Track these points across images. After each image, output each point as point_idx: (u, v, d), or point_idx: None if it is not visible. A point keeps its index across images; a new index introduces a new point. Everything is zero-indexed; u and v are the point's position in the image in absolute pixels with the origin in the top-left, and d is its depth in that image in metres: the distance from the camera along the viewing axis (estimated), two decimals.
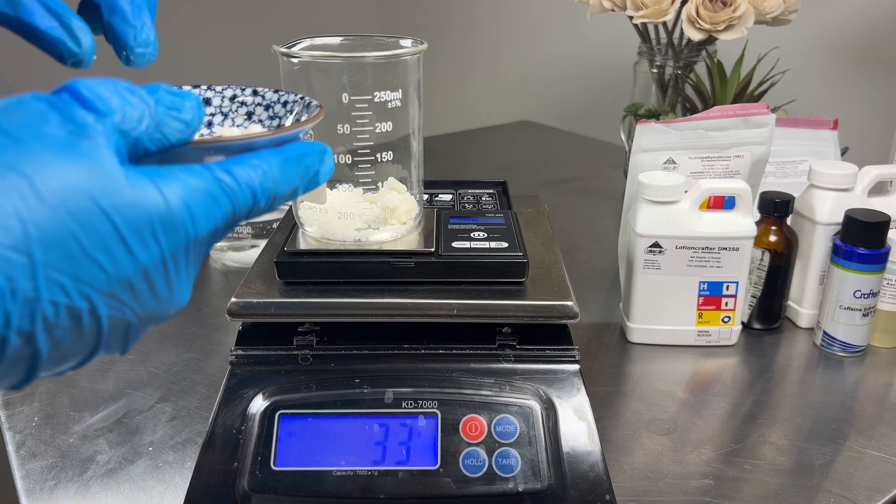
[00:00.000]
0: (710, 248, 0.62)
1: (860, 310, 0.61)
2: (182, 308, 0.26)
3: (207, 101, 0.38)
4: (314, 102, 0.36)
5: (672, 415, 0.56)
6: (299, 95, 0.37)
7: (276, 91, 0.38)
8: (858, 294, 0.61)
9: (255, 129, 0.38)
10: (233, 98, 0.38)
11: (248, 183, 0.26)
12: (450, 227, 0.53)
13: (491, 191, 0.65)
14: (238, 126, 0.38)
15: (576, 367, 0.48)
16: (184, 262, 0.25)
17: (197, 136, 0.27)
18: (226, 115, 0.38)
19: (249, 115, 0.38)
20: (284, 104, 0.38)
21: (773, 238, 0.65)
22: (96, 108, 0.23)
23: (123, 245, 0.23)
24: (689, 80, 0.89)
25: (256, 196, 0.27)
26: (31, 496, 0.47)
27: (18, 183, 0.21)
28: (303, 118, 0.35)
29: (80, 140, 0.22)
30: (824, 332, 0.64)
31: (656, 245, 0.62)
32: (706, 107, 0.85)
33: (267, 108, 0.38)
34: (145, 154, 0.25)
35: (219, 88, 0.38)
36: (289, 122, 0.36)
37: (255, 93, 0.39)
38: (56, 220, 0.21)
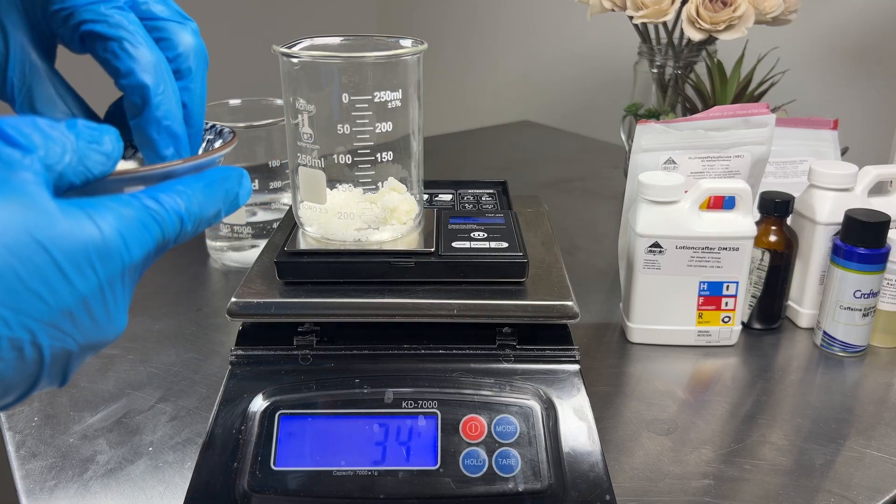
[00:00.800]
0: (710, 248, 0.62)
1: (860, 310, 0.61)
2: (120, 334, 0.27)
3: None
4: (227, 129, 0.37)
5: (672, 415, 0.56)
6: (210, 124, 0.38)
7: None
8: (858, 294, 0.61)
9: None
10: None
11: (175, 209, 0.27)
12: (450, 227, 0.53)
13: (491, 191, 0.65)
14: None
15: (576, 367, 0.48)
16: (120, 288, 0.26)
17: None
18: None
19: None
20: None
21: (773, 238, 0.65)
22: (20, 145, 0.23)
23: (62, 276, 0.23)
24: (689, 80, 0.89)
25: (183, 221, 0.28)
26: (31, 496, 0.47)
27: None
28: (216, 145, 0.36)
29: (9, 176, 0.23)
30: (824, 332, 0.64)
31: (656, 245, 0.62)
32: (706, 107, 0.85)
33: None
34: (70, 187, 0.25)
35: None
36: (201, 150, 0.37)
37: None
38: None
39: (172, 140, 0.33)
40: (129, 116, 0.33)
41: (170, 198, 0.27)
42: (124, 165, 0.28)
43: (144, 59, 0.33)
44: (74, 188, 0.26)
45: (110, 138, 0.26)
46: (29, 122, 0.24)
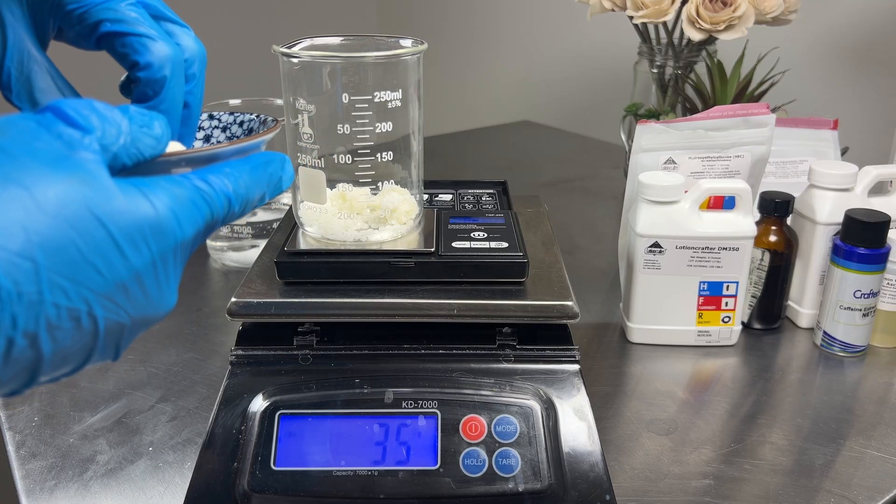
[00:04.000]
0: (710, 248, 0.62)
1: (860, 310, 0.61)
2: (170, 310, 0.28)
3: None
4: (270, 118, 0.38)
5: (672, 415, 0.56)
6: (255, 114, 0.39)
7: (231, 113, 0.40)
8: (858, 294, 0.61)
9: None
10: None
11: (223, 190, 0.29)
12: (450, 227, 0.53)
13: (491, 191, 0.65)
14: None
15: (576, 367, 0.48)
16: (172, 265, 0.27)
17: None
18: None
19: (207, 139, 0.40)
20: (241, 124, 0.39)
21: (773, 238, 0.65)
22: (80, 126, 0.25)
23: (118, 250, 0.24)
24: (689, 80, 0.89)
25: (231, 201, 0.29)
26: (31, 496, 0.47)
27: (19, 194, 0.22)
28: (259, 132, 0.37)
29: (70, 154, 0.24)
30: (824, 332, 0.64)
31: (656, 245, 0.62)
32: (706, 107, 0.85)
33: (224, 129, 0.40)
34: (122, 168, 0.27)
35: None
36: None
37: (210, 116, 0.40)
38: (56, 228, 0.22)
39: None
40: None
41: (218, 179, 0.28)
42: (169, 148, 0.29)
43: (163, 55, 0.34)
44: (126, 169, 0.27)
45: (160, 123, 0.28)
46: (87, 104, 0.25)
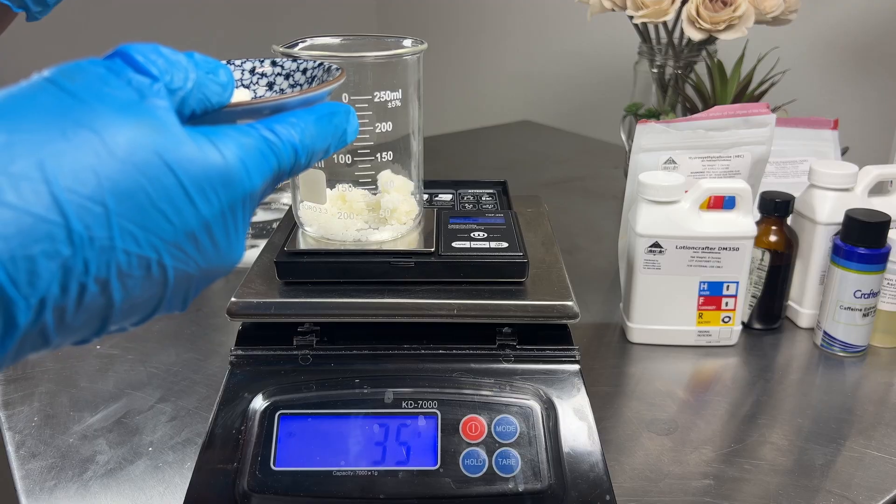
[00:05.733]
0: (711, 248, 0.62)
1: (860, 310, 0.61)
2: (238, 262, 0.28)
3: None
4: (334, 66, 0.37)
5: (672, 415, 0.56)
6: (318, 61, 0.38)
7: (294, 60, 0.39)
8: (859, 294, 0.61)
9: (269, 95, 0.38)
10: (252, 70, 0.39)
11: (290, 140, 0.28)
12: (450, 227, 0.53)
13: (491, 191, 0.65)
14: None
15: (576, 367, 0.48)
16: (241, 215, 0.27)
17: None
18: (247, 87, 0.38)
19: (270, 86, 0.39)
20: (304, 71, 0.38)
21: (773, 238, 0.65)
22: (149, 72, 0.24)
23: (187, 198, 0.24)
24: (690, 80, 0.89)
25: (298, 153, 0.29)
26: (31, 496, 0.47)
27: (90, 139, 0.22)
28: (324, 81, 0.36)
29: (141, 101, 0.24)
30: (824, 332, 0.64)
31: (656, 245, 0.62)
32: (706, 107, 0.85)
33: (287, 76, 0.39)
34: (191, 117, 0.26)
35: (238, 62, 0.38)
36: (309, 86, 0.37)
37: (273, 63, 0.39)
38: (126, 173, 0.22)
39: None
40: None
41: (285, 129, 0.28)
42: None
43: None
44: (195, 117, 0.27)
45: (224, 71, 0.27)
46: (154, 49, 0.25)
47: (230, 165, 0.25)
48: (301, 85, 0.38)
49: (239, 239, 0.27)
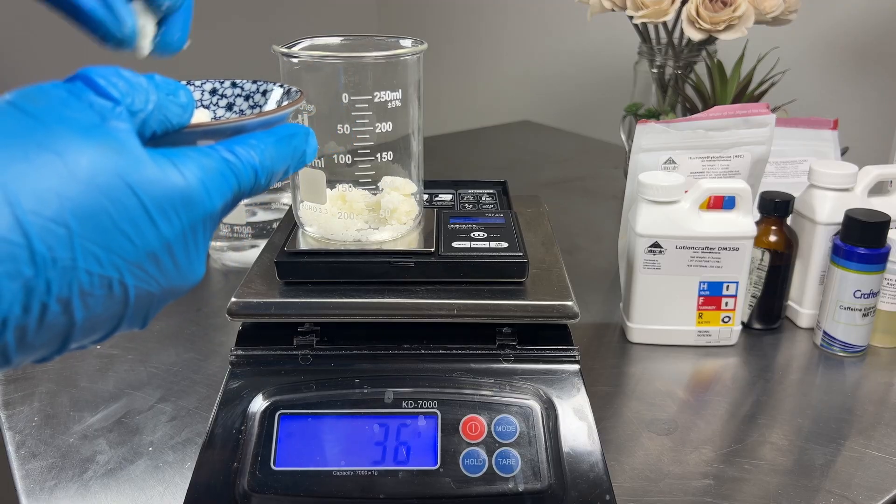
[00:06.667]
0: (710, 248, 0.62)
1: (860, 310, 0.61)
2: (198, 281, 0.28)
3: None
4: (294, 89, 0.37)
5: (672, 415, 0.56)
6: (278, 84, 0.39)
7: (254, 81, 0.40)
8: (858, 294, 0.61)
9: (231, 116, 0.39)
10: (213, 91, 0.39)
11: (250, 161, 0.29)
12: (450, 227, 0.53)
13: (491, 191, 0.65)
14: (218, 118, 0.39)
15: (576, 367, 0.48)
16: (201, 235, 0.27)
17: None
18: (207, 108, 0.39)
19: (230, 107, 0.40)
20: (264, 93, 0.39)
21: (773, 238, 0.65)
22: (110, 95, 0.25)
23: (149, 219, 0.24)
24: (689, 80, 0.89)
25: (258, 173, 0.29)
26: (31, 496, 0.47)
27: (52, 161, 0.22)
28: (283, 104, 0.36)
29: (102, 123, 0.24)
30: (824, 332, 0.64)
31: (656, 245, 0.62)
32: (706, 107, 0.85)
33: (247, 98, 0.40)
34: (151, 137, 0.27)
35: (198, 83, 0.39)
36: (269, 108, 0.38)
37: (234, 84, 0.40)
38: (88, 195, 0.23)
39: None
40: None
41: (245, 151, 0.29)
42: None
43: None
44: (155, 138, 0.27)
45: (185, 92, 0.28)
46: (115, 72, 0.25)
47: (191, 187, 0.26)
48: (261, 106, 0.39)
49: (200, 258, 0.27)
